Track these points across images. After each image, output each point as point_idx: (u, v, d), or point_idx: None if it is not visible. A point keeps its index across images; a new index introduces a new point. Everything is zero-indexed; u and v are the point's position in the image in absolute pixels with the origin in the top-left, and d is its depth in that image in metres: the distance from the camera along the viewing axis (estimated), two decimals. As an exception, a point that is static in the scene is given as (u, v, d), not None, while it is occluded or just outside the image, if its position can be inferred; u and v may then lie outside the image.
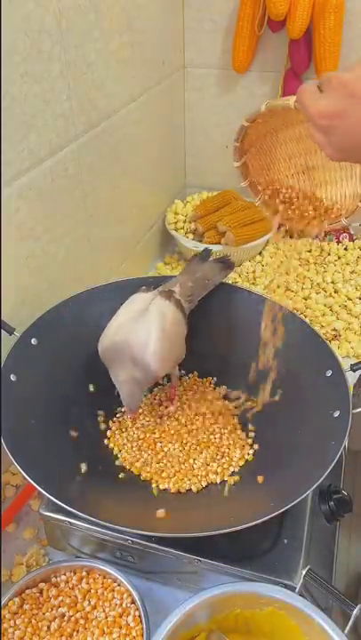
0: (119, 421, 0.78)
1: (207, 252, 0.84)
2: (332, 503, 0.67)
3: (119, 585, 0.65)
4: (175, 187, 1.36)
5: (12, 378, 0.67)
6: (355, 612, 0.55)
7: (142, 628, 0.61)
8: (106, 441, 0.75)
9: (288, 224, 0.69)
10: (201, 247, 1.16)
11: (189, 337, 0.77)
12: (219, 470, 0.70)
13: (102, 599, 0.64)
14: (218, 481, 0.69)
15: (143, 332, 0.69)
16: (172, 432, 0.75)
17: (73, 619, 0.62)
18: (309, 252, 1.27)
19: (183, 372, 0.84)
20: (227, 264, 0.84)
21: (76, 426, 0.73)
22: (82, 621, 0.62)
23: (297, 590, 0.58)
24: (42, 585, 0.65)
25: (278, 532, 0.64)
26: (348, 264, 1.22)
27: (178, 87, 1.24)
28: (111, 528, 0.59)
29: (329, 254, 1.24)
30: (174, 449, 0.73)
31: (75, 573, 0.66)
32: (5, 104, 0.66)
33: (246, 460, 0.72)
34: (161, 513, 0.62)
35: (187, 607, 0.56)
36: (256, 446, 0.74)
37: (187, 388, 0.82)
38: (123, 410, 0.79)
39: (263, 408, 0.76)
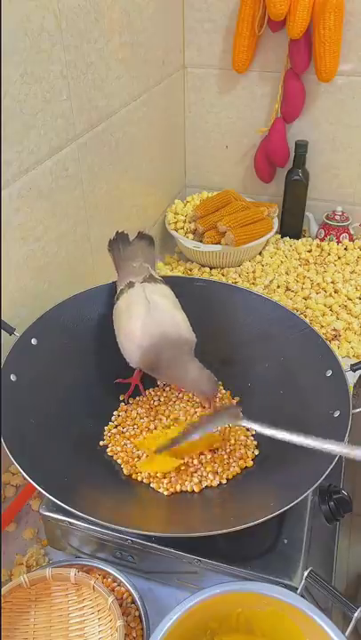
0: (119, 422, 0.77)
1: (121, 235, 0.85)
2: (332, 503, 0.67)
3: (119, 585, 0.65)
4: (175, 187, 1.36)
5: (12, 378, 0.67)
6: (356, 614, 0.54)
7: (142, 628, 0.61)
8: (105, 441, 0.75)
9: None
10: (202, 247, 1.17)
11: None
12: (219, 470, 0.70)
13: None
14: (218, 481, 0.69)
15: (164, 315, 0.72)
16: (173, 432, 0.75)
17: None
18: (309, 252, 1.27)
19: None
20: (146, 238, 0.86)
21: (76, 426, 0.73)
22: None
23: (299, 591, 0.58)
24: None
25: (278, 531, 0.64)
26: (348, 264, 1.22)
27: (178, 87, 1.24)
28: (111, 528, 0.59)
29: (329, 254, 1.24)
30: (174, 449, 0.73)
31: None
32: (5, 104, 0.66)
33: (246, 460, 0.72)
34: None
35: (186, 606, 0.56)
36: (256, 446, 0.74)
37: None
38: (119, 410, 0.79)
39: (264, 408, 0.76)
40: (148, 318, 0.71)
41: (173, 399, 0.80)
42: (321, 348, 0.73)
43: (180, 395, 0.81)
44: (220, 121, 1.30)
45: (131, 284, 0.77)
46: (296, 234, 1.33)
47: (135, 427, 0.76)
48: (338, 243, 1.27)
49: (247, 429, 0.76)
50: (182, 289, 0.80)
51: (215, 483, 0.69)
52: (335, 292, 1.13)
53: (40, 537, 0.77)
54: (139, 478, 0.70)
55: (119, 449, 0.73)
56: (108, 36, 0.86)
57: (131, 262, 0.81)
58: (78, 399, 0.74)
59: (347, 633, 0.54)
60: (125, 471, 0.70)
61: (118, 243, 0.84)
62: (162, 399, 0.80)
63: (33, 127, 0.72)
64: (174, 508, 0.66)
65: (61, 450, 0.68)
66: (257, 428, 0.62)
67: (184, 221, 1.26)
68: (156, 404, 0.80)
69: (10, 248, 0.72)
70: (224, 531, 0.55)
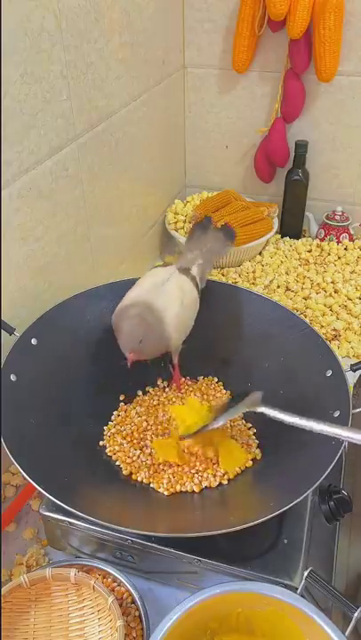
0: (118, 422, 0.77)
1: (208, 220, 0.85)
2: (332, 503, 0.67)
3: (119, 585, 0.65)
4: (175, 187, 1.36)
5: (12, 378, 0.67)
6: (356, 614, 0.54)
7: (142, 628, 0.61)
8: (105, 441, 0.75)
9: None
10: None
11: (190, 337, 0.77)
12: (221, 471, 0.70)
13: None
14: (218, 481, 0.69)
15: (163, 300, 0.71)
16: (173, 432, 0.75)
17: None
18: (309, 252, 1.27)
19: (183, 372, 0.84)
20: (229, 232, 0.85)
21: (76, 426, 0.73)
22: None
23: (299, 591, 0.58)
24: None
25: (278, 531, 0.64)
26: (348, 264, 1.22)
27: (178, 87, 1.24)
28: (111, 528, 0.59)
29: (329, 254, 1.24)
30: (174, 449, 0.73)
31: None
32: (5, 104, 0.66)
33: (247, 460, 0.72)
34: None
35: (186, 606, 0.56)
36: (257, 446, 0.74)
37: (188, 388, 0.82)
38: (119, 410, 0.79)
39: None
40: (149, 292, 0.72)
41: (173, 399, 0.80)
42: (321, 348, 0.73)
43: (181, 394, 0.81)
44: (220, 121, 1.30)
45: (167, 264, 0.78)
46: (296, 234, 1.33)
47: (133, 424, 0.76)
48: (338, 243, 1.27)
49: (248, 428, 0.76)
50: (182, 289, 0.80)
51: (215, 483, 0.69)
52: (335, 291, 1.13)
53: (40, 537, 0.77)
54: (139, 478, 0.70)
55: (118, 449, 0.73)
56: (108, 36, 0.86)
57: (190, 252, 0.81)
58: (78, 399, 0.74)
59: (347, 633, 0.54)
60: (125, 471, 0.70)
61: (199, 229, 0.84)
62: (162, 399, 0.80)
63: (33, 127, 0.72)
64: (174, 508, 0.66)
65: (61, 450, 0.68)
66: (275, 414, 0.62)
67: (184, 221, 1.26)
68: (155, 403, 0.80)
69: (10, 248, 0.72)
70: (224, 531, 0.55)
